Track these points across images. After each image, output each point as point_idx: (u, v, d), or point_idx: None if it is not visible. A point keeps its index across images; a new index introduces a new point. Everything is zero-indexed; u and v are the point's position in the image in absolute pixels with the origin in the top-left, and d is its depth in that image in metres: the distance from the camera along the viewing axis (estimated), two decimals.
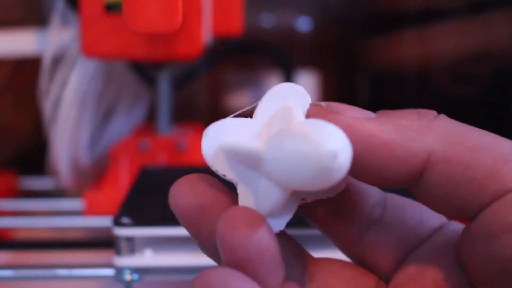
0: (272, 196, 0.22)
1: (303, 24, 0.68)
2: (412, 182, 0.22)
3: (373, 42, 0.67)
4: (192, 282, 0.21)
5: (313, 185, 0.20)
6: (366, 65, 0.69)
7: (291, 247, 0.24)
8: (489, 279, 0.22)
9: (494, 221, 0.21)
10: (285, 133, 0.21)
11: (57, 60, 0.51)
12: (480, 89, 0.65)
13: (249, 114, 0.24)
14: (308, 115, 0.23)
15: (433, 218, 0.25)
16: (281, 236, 0.23)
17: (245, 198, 0.23)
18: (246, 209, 0.22)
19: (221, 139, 0.23)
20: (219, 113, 0.67)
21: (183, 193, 0.23)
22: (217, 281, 0.21)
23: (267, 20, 0.68)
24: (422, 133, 0.22)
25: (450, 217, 0.23)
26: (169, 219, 0.35)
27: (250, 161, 0.22)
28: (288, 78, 0.59)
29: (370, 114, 0.23)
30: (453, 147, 0.22)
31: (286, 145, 0.20)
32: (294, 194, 0.23)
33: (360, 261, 0.25)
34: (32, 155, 0.59)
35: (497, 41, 0.64)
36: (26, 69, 0.57)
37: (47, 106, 0.51)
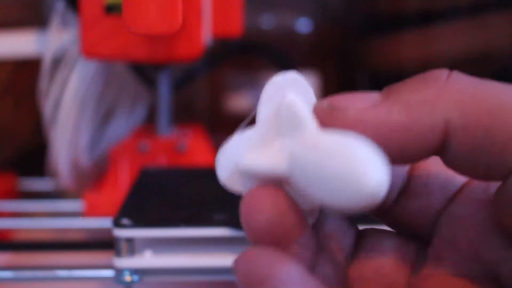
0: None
1: (303, 25, 0.68)
2: (437, 153, 0.21)
3: (373, 43, 0.67)
4: (233, 266, 0.20)
5: (348, 205, 0.20)
6: (366, 66, 0.69)
7: (342, 218, 0.24)
8: None
9: None
10: (311, 149, 0.20)
11: (57, 61, 0.51)
12: None
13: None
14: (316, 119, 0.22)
15: (457, 176, 0.24)
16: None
17: None
18: (266, 188, 0.21)
19: (236, 162, 0.23)
20: (219, 114, 0.67)
21: (265, 207, 0.22)
22: (262, 264, 0.20)
23: (267, 21, 0.68)
24: (434, 104, 0.21)
25: (481, 179, 0.22)
26: (169, 220, 0.35)
27: (272, 180, 0.22)
28: None
29: (375, 97, 0.22)
30: (470, 111, 0.21)
31: (317, 165, 0.20)
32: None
33: (397, 227, 0.25)
34: (32, 156, 0.59)
35: (497, 42, 0.64)
36: (26, 70, 0.57)
37: (47, 107, 0.51)
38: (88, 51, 0.45)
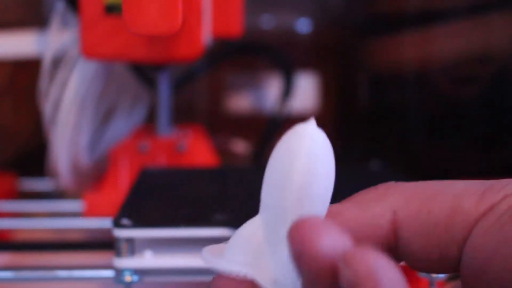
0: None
1: (303, 25, 0.68)
2: (391, 245, 0.23)
3: (373, 44, 0.67)
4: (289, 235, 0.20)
5: None
6: (366, 66, 0.69)
7: None
8: None
9: (476, 254, 0.22)
10: None
11: (57, 62, 0.51)
12: (480, 90, 0.65)
13: None
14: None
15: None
16: None
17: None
18: (318, 219, 0.21)
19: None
20: (219, 114, 0.67)
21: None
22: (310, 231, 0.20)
23: (267, 22, 0.68)
24: (382, 197, 0.24)
25: (440, 271, 0.24)
26: (169, 221, 0.35)
27: None
28: (288, 79, 0.59)
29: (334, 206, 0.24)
30: (412, 199, 0.23)
31: None
32: None
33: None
34: (32, 157, 0.59)
35: (497, 42, 0.64)
36: (26, 70, 0.57)
37: (47, 107, 0.51)
38: (88, 51, 0.45)
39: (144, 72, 0.53)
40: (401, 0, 0.66)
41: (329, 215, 0.23)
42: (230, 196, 0.40)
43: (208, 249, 0.24)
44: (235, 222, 0.34)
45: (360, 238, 0.23)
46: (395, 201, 0.23)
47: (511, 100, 0.64)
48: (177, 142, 0.51)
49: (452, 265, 0.23)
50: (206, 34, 0.47)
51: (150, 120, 0.56)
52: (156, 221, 0.35)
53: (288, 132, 0.22)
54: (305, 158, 0.22)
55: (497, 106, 0.65)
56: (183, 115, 0.59)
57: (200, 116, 0.67)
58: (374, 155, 0.46)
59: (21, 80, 0.59)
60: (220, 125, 0.65)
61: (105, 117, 0.54)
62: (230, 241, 0.24)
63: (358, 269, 0.19)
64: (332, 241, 0.20)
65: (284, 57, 0.59)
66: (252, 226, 0.23)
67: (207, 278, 0.35)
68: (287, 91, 0.60)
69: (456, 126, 0.61)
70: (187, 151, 0.51)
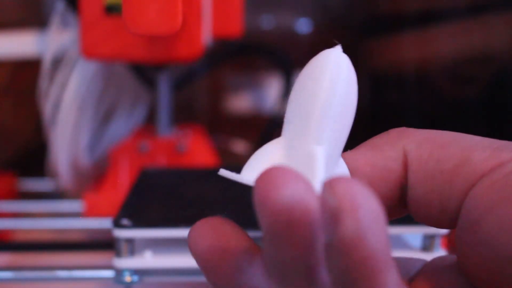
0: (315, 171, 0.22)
1: (303, 25, 0.68)
2: (402, 188, 0.23)
3: (373, 44, 0.67)
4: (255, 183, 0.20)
5: None
6: (366, 66, 0.69)
7: None
8: (485, 273, 0.22)
9: (476, 206, 0.22)
10: None
11: (57, 62, 0.51)
12: (480, 90, 0.65)
13: None
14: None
15: (416, 261, 0.26)
16: None
17: None
18: (283, 168, 0.20)
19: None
20: (219, 114, 0.67)
21: (204, 236, 0.22)
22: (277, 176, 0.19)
23: (267, 22, 0.68)
24: (395, 141, 0.24)
25: (438, 223, 0.24)
26: (169, 221, 0.35)
27: None
28: (288, 79, 0.59)
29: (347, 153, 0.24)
30: (424, 145, 0.23)
31: None
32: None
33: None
34: (32, 157, 0.59)
35: (496, 42, 0.64)
36: (26, 70, 0.57)
37: (47, 107, 0.51)
38: (88, 52, 0.45)
39: (144, 72, 0.53)
40: (401, 0, 0.66)
41: (349, 158, 0.23)
42: (230, 196, 0.40)
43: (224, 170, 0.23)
44: (235, 222, 0.34)
45: (374, 182, 0.23)
46: (407, 144, 0.23)
47: (511, 100, 0.64)
48: (177, 142, 0.51)
49: (450, 219, 0.23)
50: (206, 34, 0.47)
51: (150, 120, 0.56)
52: (156, 221, 0.35)
53: (315, 56, 0.23)
54: (329, 79, 0.23)
55: (497, 106, 0.65)
56: (183, 115, 0.59)
57: (200, 116, 0.67)
58: None
59: (21, 80, 0.59)
60: (220, 125, 0.65)
61: (105, 117, 0.54)
62: (249, 159, 0.23)
63: (341, 196, 0.19)
64: (294, 191, 0.19)
65: (284, 57, 0.59)
66: (273, 146, 0.23)
67: None
68: (287, 91, 0.60)
69: (456, 126, 0.61)
70: (187, 151, 0.51)
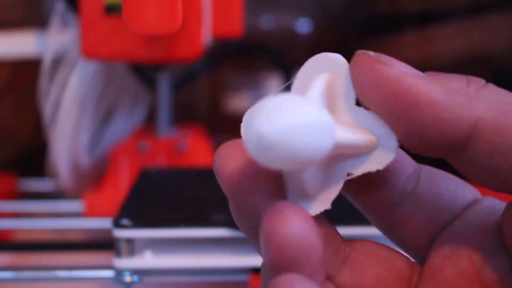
0: (303, 186, 0.21)
1: (303, 25, 0.68)
2: (454, 150, 0.21)
3: (373, 44, 0.67)
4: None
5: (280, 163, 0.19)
6: None
7: (325, 226, 0.23)
8: None
9: None
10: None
11: (57, 62, 0.51)
12: None
13: None
14: (353, 65, 0.21)
15: (468, 193, 0.23)
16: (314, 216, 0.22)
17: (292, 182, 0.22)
18: (291, 205, 0.20)
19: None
20: (219, 114, 0.67)
21: (233, 157, 0.21)
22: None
23: (267, 22, 0.68)
24: (471, 99, 0.21)
25: (496, 189, 0.22)
26: (169, 221, 0.35)
27: None
28: (288, 79, 0.59)
29: (420, 73, 0.21)
30: (503, 115, 0.21)
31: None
32: (338, 170, 0.22)
33: (392, 234, 0.24)
34: (32, 157, 0.59)
35: (497, 42, 0.64)
36: (26, 70, 0.57)
37: (47, 107, 0.51)
38: (88, 52, 0.45)
39: (144, 72, 0.53)
40: (401, 0, 0.66)
41: (411, 88, 0.21)
42: None
43: None
44: (235, 222, 0.34)
45: (428, 130, 0.20)
46: (484, 110, 0.21)
47: None
48: (177, 142, 0.51)
49: (509, 190, 0.21)
50: (206, 34, 0.47)
51: (150, 120, 0.56)
52: (156, 221, 0.35)
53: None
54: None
55: None
56: (183, 115, 0.59)
57: (200, 116, 0.67)
58: None
59: (21, 81, 0.59)
60: (220, 125, 0.65)
61: (105, 117, 0.54)
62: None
63: None
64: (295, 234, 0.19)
65: (284, 57, 0.59)
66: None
67: (207, 278, 0.36)
68: (287, 91, 0.60)
69: None
70: (187, 151, 0.51)
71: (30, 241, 0.47)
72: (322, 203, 0.22)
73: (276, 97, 0.19)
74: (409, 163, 0.23)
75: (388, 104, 0.21)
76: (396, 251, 0.24)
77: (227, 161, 0.21)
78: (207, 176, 0.45)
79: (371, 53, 0.21)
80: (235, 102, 0.67)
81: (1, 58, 0.53)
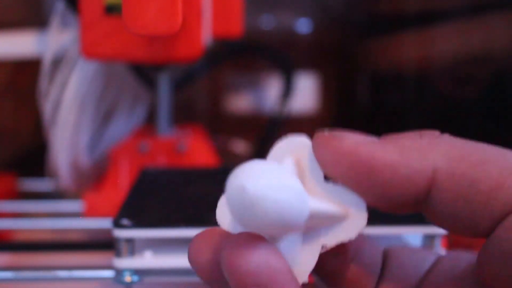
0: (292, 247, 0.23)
1: (303, 26, 0.68)
2: (419, 202, 0.22)
3: (372, 44, 0.67)
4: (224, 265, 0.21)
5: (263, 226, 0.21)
6: (366, 67, 0.69)
7: None
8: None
9: (509, 238, 0.21)
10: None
11: (57, 62, 0.51)
12: (480, 90, 0.65)
13: None
14: (314, 146, 0.23)
15: (429, 255, 0.25)
16: None
17: None
18: (246, 234, 0.21)
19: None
20: (219, 114, 0.67)
21: (203, 250, 0.23)
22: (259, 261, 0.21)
23: (267, 22, 0.68)
24: (425, 152, 0.22)
25: (464, 234, 0.23)
26: (169, 221, 0.35)
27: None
28: (288, 79, 0.59)
29: (373, 139, 0.23)
30: (457, 162, 0.22)
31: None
32: (313, 242, 0.23)
33: None
34: (32, 157, 0.59)
35: (496, 42, 0.64)
36: (26, 70, 0.57)
37: (47, 107, 0.51)
38: (88, 52, 0.45)
39: (144, 72, 0.53)
40: (401, 0, 0.66)
41: (367, 155, 0.22)
42: None
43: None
44: None
45: (390, 189, 0.22)
46: (438, 160, 0.22)
47: (511, 100, 0.64)
48: (177, 142, 0.51)
49: (478, 234, 0.22)
50: (206, 34, 0.47)
51: (150, 120, 0.56)
52: (156, 221, 0.35)
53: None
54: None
55: (497, 106, 0.65)
56: (183, 115, 0.59)
57: (200, 116, 0.67)
58: None
59: (21, 80, 0.59)
60: (220, 125, 0.65)
61: (105, 117, 0.54)
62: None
63: None
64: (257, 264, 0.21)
65: (284, 57, 0.59)
66: None
67: None
68: (287, 91, 0.60)
69: (455, 126, 0.61)
70: (187, 151, 0.51)
71: (30, 241, 0.47)
72: (299, 276, 0.22)
73: (257, 162, 0.21)
74: (375, 254, 0.26)
75: (350, 174, 0.22)
76: None
77: (200, 252, 0.23)
78: (207, 176, 0.45)
79: (326, 133, 0.23)
80: (235, 102, 0.67)
81: (1, 58, 0.53)
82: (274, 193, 0.20)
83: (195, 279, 0.36)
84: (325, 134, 0.23)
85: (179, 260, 0.35)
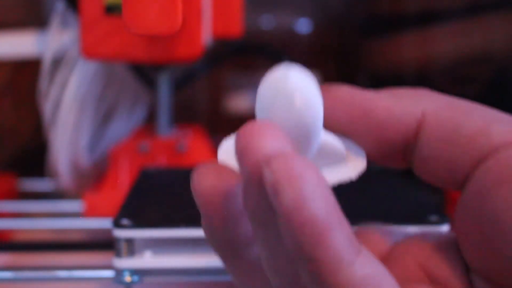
0: None
1: (303, 25, 0.68)
2: (408, 146, 0.24)
3: (372, 44, 0.67)
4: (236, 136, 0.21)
5: (292, 119, 0.22)
6: (366, 67, 0.69)
7: None
8: (481, 244, 0.22)
9: (486, 177, 0.22)
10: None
11: (57, 62, 0.51)
12: (479, 90, 0.65)
13: None
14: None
15: (398, 231, 0.27)
16: None
17: None
18: (262, 121, 0.22)
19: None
20: (219, 114, 0.66)
21: (207, 177, 0.23)
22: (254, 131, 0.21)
23: (267, 22, 0.68)
24: (416, 98, 0.24)
25: (444, 184, 0.24)
26: (169, 221, 0.35)
27: None
28: None
29: (370, 90, 0.25)
30: (445, 109, 0.24)
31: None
32: None
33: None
34: (32, 157, 0.59)
35: (496, 42, 0.64)
36: (26, 70, 0.57)
37: (47, 107, 0.51)
38: (88, 52, 0.45)
39: (144, 72, 0.53)
40: (401, 0, 0.66)
41: (363, 99, 0.24)
42: None
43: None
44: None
45: (384, 130, 0.24)
46: (428, 104, 0.24)
47: (511, 100, 0.64)
48: (177, 142, 0.51)
49: (456, 183, 0.24)
50: (206, 34, 0.47)
51: (150, 120, 0.56)
52: (156, 221, 0.35)
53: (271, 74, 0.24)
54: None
55: (497, 106, 0.65)
56: (183, 115, 0.59)
57: (200, 116, 0.67)
58: None
59: (21, 80, 0.59)
60: (220, 125, 0.65)
61: (105, 117, 0.54)
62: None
63: (278, 170, 0.19)
64: (271, 145, 0.20)
65: (284, 57, 0.59)
66: None
67: (207, 278, 0.36)
68: None
69: None
70: (187, 151, 0.51)
71: (30, 241, 0.47)
72: None
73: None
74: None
75: (347, 119, 0.24)
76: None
77: (202, 179, 0.23)
78: None
79: (324, 85, 0.25)
80: (235, 102, 0.67)
81: (1, 58, 0.53)
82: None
83: (195, 279, 0.36)
84: (323, 86, 0.24)
85: (179, 260, 0.35)
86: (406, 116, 0.24)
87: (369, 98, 0.24)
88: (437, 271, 0.24)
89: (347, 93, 0.25)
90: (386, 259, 0.25)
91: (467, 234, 0.23)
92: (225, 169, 0.23)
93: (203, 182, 0.23)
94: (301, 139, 0.23)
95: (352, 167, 0.24)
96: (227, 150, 0.24)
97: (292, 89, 0.22)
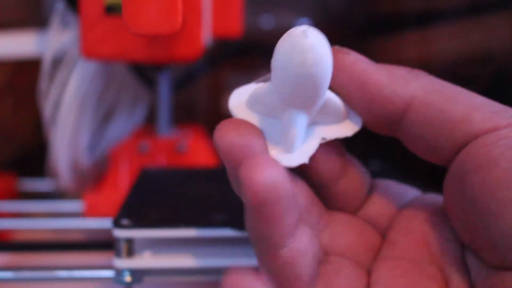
0: (292, 131, 0.26)
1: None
2: (394, 122, 0.26)
3: (373, 44, 0.67)
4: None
5: (302, 84, 0.24)
6: None
7: (309, 195, 0.28)
8: (466, 220, 0.24)
9: (465, 162, 0.24)
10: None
11: (57, 62, 0.51)
12: (480, 90, 0.65)
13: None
14: None
15: (413, 190, 0.30)
16: (301, 185, 0.27)
17: (271, 138, 0.26)
18: (264, 157, 0.24)
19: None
20: (219, 114, 0.66)
21: (231, 132, 0.25)
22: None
23: (267, 22, 0.68)
24: (408, 81, 0.26)
25: (429, 159, 0.26)
26: (169, 221, 0.35)
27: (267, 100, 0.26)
28: None
29: (372, 62, 0.27)
30: (433, 95, 0.25)
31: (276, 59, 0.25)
32: (314, 134, 0.26)
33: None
34: (32, 157, 0.59)
35: (496, 42, 0.64)
36: (26, 70, 0.57)
37: (46, 107, 0.51)
38: (88, 52, 0.45)
39: (144, 72, 0.53)
40: (401, 0, 0.66)
41: (361, 70, 0.26)
42: (230, 196, 0.40)
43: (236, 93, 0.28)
44: (235, 222, 0.34)
45: (373, 104, 0.26)
46: (417, 89, 0.26)
47: (511, 100, 0.64)
48: (177, 142, 0.51)
49: (441, 161, 0.26)
50: (206, 34, 0.47)
51: (150, 120, 0.56)
52: (156, 221, 0.35)
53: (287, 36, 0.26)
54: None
55: None
56: (183, 115, 0.59)
57: (200, 116, 0.67)
58: (373, 155, 0.46)
59: (21, 80, 0.59)
60: None
61: (105, 117, 0.54)
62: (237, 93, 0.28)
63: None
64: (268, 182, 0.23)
65: None
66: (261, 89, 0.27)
67: (207, 278, 0.36)
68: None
69: None
70: (187, 151, 0.51)
71: (30, 241, 0.47)
72: (301, 156, 0.26)
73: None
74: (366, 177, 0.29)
75: (346, 83, 0.26)
76: (369, 224, 0.29)
77: (224, 133, 0.25)
78: (207, 176, 0.45)
79: (337, 47, 0.28)
80: None
81: (1, 58, 0.53)
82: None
83: (195, 279, 0.36)
84: (334, 48, 0.27)
85: (179, 260, 0.35)
86: (395, 97, 0.26)
87: (367, 71, 0.26)
88: (434, 246, 0.26)
89: (351, 60, 0.27)
90: (391, 226, 0.28)
91: (453, 213, 0.25)
92: (245, 124, 0.26)
93: (224, 138, 0.25)
94: (309, 93, 0.24)
95: (349, 126, 0.27)
96: (238, 100, 0.27)
97: (308, 45, 0.24)
